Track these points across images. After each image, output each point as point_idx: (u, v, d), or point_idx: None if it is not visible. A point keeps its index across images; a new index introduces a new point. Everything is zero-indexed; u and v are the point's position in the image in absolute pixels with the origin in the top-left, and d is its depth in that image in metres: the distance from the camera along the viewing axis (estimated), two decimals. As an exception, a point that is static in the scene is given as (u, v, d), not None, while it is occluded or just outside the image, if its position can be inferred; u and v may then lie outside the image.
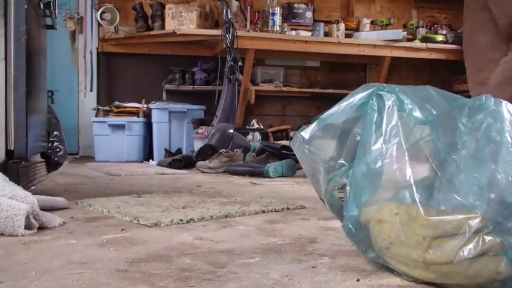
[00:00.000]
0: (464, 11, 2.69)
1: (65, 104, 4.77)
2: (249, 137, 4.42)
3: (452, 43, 5.05)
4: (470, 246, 0.77)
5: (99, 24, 4.70)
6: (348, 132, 0.98)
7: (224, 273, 0.90)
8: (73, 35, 4.89)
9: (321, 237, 1.23)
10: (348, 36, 4.88)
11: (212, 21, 4.67)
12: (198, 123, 4.23)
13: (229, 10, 4.23)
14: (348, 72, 5.45)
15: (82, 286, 0.82)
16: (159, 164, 3.92)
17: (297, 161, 2.76)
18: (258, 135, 4.56)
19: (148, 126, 4.40)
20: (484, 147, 0.84)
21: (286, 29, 4.63)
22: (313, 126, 1.03)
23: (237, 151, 3.50)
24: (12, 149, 1.92)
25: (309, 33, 4.75)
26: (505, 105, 0.88)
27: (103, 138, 4.29)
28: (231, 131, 3.86)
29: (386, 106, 0.92)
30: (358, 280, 0.86)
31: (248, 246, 1.13)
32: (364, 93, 0.98)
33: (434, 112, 0.91)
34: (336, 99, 1.08)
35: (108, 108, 4.44)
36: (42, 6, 2.40)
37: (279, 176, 3.04)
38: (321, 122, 1.02)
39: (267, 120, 5.14)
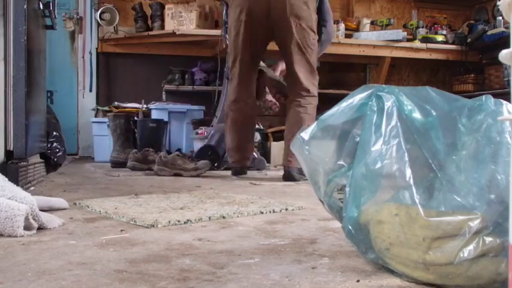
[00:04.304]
0: None
1: (64, 104, 4.77)
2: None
3: (452, 43, 5.05)
4: (471, 247, 0.77)
5: (99, 25, 4.71)
6: (348, 133, 0.98)
7: (224, 274, 0.90)
8: (72, 35, 4.89)
9: (320, 238, 1.23)
10: (348, 36, 4.88)
11: (212, 21, 4.66)
12: (197, 123, 4.23)
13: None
14: (348, 72, 5.45)
15: (81, 287, 0.82)
16: (159, 165, 3.91)
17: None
18: (257, 135, 4.54)
19: (147, 126, 4.40)
20: (484, 148, 0.83)
21: (286, 29, 4.61)
22: (312, 127, 1.03)
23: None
24: (11, 149, 1.93)
25: (309, 34, 4.74)
26: (505, 106, 0.88)
27: (102, 139, 4.29)
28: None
29: (386, 107, 0.92)
30: (358, 281, 0.86)
31: (248, 246, 1.13)
32: (364, 94, 0.97)
33: (434, 113, 0.91)
34: (336, 99, 1.08)
35: (108, 109, 4.43)
36: (41, 6, 2.40)
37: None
38: (321, 123, 1.02)
39: (266, 120, 5.14)
